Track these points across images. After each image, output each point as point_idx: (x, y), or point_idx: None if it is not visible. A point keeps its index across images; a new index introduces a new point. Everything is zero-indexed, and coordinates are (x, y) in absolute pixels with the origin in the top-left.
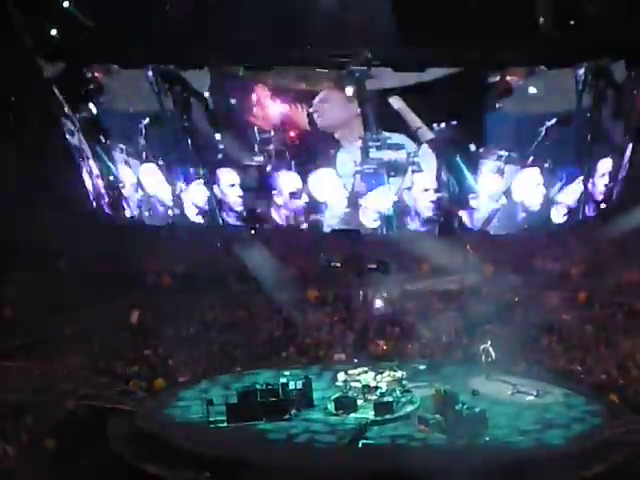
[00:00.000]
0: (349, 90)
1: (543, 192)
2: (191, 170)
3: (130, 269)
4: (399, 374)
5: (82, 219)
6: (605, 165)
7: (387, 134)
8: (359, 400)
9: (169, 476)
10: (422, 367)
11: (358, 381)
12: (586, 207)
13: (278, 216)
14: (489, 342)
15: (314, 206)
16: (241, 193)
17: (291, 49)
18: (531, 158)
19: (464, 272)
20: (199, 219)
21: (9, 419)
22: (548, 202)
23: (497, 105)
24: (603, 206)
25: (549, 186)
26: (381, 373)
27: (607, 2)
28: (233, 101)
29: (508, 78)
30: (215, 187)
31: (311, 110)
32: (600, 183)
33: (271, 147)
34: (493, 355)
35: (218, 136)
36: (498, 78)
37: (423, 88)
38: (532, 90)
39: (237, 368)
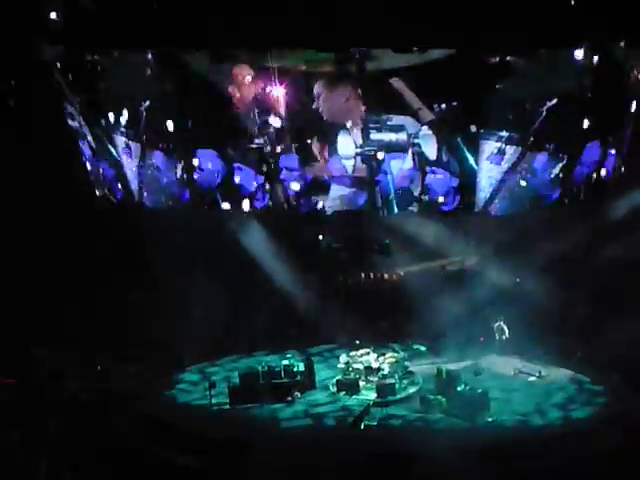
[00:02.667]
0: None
1: (544, 173)
2: (192, 153)
3: (130, 252)
4: (401, 355)
5: (83, 202)
6: (606, 145)
7: (387, 115)
8: (361, 382)
9: (171, 458)
10: (424, 348)
11: (360, 363)
12: (587, 187)
13: (278, 198)
14: (502, 319)
15: (315, 188)
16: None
17: (290, 31)
18: (532, 139)
19: (465, 253)
20: (199, 202)
21: (14, 404)
22: (549, 183)
23: (497, 86)
24: (604, 186)
25: (550, 167)
26: (383, 354)
27: None
28: (233, 84)
29: (508, 58)
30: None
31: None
32: (601, 163)
33: (271, 130)
34: (507, 332)
35: (218, 119)
36: (498, 59)
37: (423, 69)
38: (532, 71)
39: (239, 350)
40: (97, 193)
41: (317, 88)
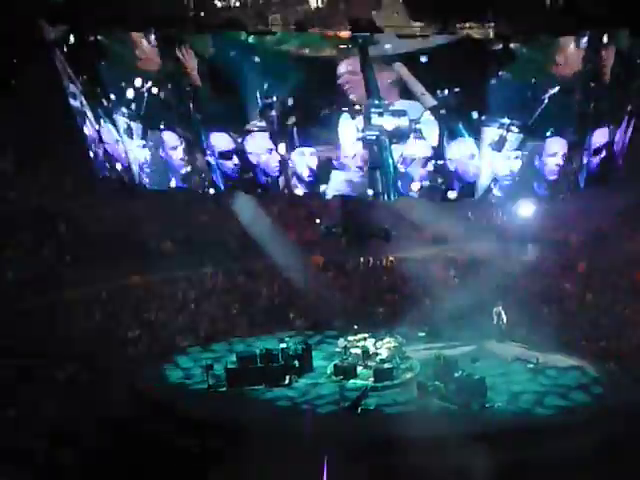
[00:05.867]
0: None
1: (545, 161)
2: (193, 134)
3: (131, 233)
4: (399, 340)
5: (83, 183)
6: (608, 134)
7: (389, 101)
8: (359, 366)
9: (168, 440)
10: (422, 334)
11: (358, 347)
12: (589, 176)
13: (279, 182)
14: (501, 306)
15: (316, 172)
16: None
17: (294, 15)
18: (533, 126)
19: (465, 240)
20: (201, 184)
21: (10, 382)
22: (550, 171)
23: (500, 73)
24: (605, 175)
25: (551, 155)
26: (381, 339)
27: None
28: (236, 66)
29: (511, 46)
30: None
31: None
32: (603, 152)
33: (273, 113)
34: (505, 318)
35: (221, 101)
36: (501, 45)
37: (426, 55)
38: (535, 58)
39: (237, 333)
40: (97, 173)
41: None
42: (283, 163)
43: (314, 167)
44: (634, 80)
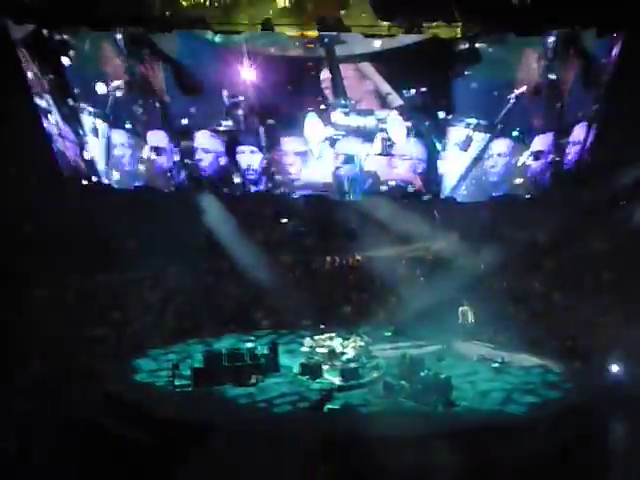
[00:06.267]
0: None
1: (511, 160)
2: (159, 134)
3: (96, 233)
4: (365, 340)
5: (49, 182)
6: (574, 134)
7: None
8: (325, 366)
9: (135, 439)
10: (388, 333)
11: (324, 347)
12: (555, 176)
13: (246, 181)
14: (467, 305)
15: (283, 171)
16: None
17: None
18: (500, 126)
19: (430, 239)
20: (167, 183)
21: None
22: (516, 170)
23: (466, 72)
24: (572, 175)
25: (517, 154)
26: (347, 339)
27: None
28: (202, 65)
29: (477, 45)
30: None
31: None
32: (569, 152)
33: (240, 112)
34: (471, 318)
35: (187, 100)
36: (467, 45)
37: (393, 54)
38: (502, 58)
39: (203, 332)
40: (63, 172)
41: None
42: (246, 163)
43: (279, 166)
44: (599, 80)
